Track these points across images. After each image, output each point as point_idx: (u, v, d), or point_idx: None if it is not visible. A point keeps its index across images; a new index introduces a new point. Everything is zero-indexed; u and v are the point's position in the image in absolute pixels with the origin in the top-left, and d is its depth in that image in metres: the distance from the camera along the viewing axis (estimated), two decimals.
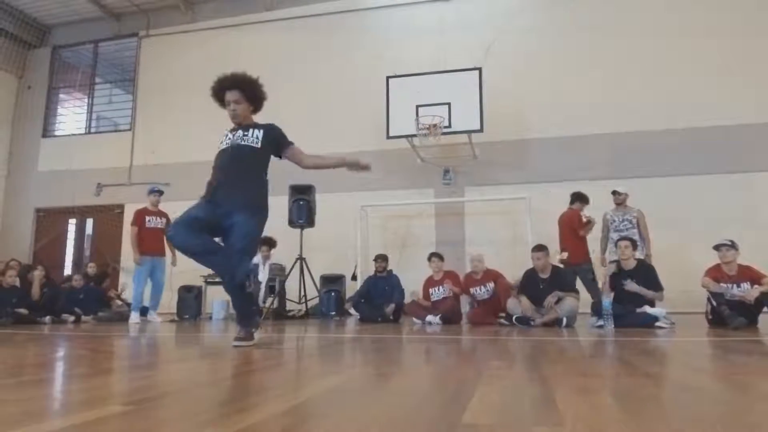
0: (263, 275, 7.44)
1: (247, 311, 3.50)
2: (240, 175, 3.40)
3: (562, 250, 6.90)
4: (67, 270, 10.84)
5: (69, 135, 12.11)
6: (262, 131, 3.52)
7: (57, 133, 12.27)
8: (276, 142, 3.59)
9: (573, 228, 7.02)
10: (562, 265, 6.56)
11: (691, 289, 6.50)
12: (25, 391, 1.77)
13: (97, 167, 11.23)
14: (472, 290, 6.57)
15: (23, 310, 7.03)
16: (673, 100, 8.76)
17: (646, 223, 7.00)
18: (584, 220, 7.05)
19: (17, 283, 7.35)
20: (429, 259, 7.00)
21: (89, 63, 12.44)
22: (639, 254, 6.69)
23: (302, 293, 8.22)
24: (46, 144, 11.98)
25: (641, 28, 9.18)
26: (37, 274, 7.68)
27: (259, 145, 3.47)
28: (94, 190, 11.17)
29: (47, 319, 7.07)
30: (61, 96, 12.59)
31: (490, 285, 6.46)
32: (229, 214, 3.30)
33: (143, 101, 11.48)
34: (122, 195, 10.94)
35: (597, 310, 5.48)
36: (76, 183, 11.19)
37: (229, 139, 3.50)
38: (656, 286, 5.63)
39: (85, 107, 12.28)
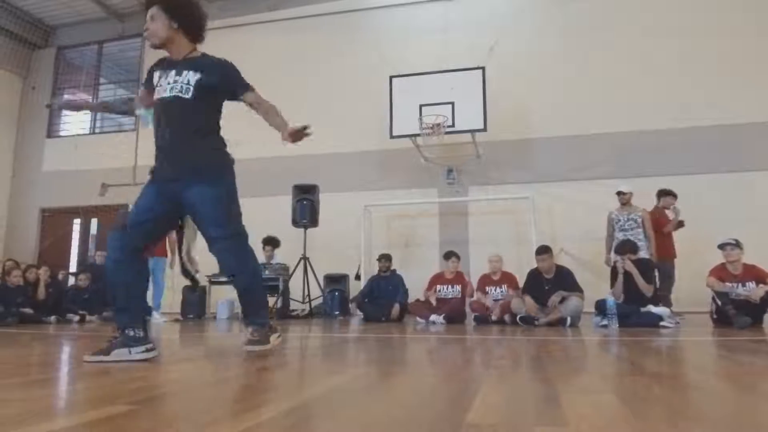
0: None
1: (257, 302, 2.91)
2: (180, 137, 2.70)
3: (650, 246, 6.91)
4: (72, 270, 10.86)
5: (74, 135, 12.14)
6: (199, 74, 2.71)
7: (62, 133, 12.31)
8: (226, 87, 2.81)
9: (659, 224, 7.01)
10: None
11: (695, 288, 6.49)
12: (30, 390, 1.78)
13: (101, 167, 11.25)
14: (487, 289, 6.58)
15: (28, 310, 7.06)
16: (677, 99, 8.72)
17: (651, 223, 6.99)
18: (673, 218, 7.04)
19: (22, 282, 7.38)
20: (448, 257, 6.97)
21: (93, 63, 12.48)
22: (644, 253, 6.69)
23: (306, 293, 8.23)
24: (50, 144, 12.02)
25: (644, 27, 9.13)
26: (42, 273, 7.71)
27: (189, 95, 2.68)
28: (99, 190, 11.20)
29: (52, 318, 7.11)
30: (66, 96, 12.62)
31: (505, 287, 6.47)
32: (183, 188, 2.66)
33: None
34: (127, 195, 10.94)
35: (601, 309, 5.47)
36: (81, 183, 11.23)
37: (163, 83, 2.75)
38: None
39: None
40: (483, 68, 8.66)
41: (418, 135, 8.67)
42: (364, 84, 9.90)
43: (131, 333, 2.58)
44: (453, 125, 8.54)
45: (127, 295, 2.62)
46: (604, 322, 5.35)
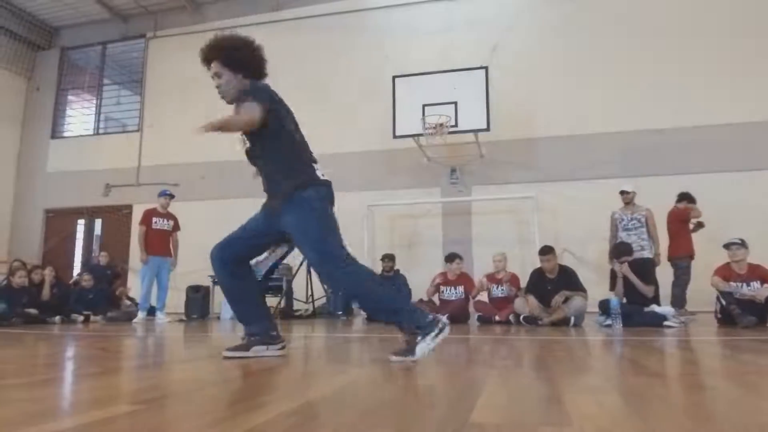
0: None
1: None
2: (265, 173, 2.79)
3: (670, 244, 7.00)
4: (77, 270, 10.90)
5: (78, 136, 12.19)
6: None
7: (66, 134, 12.35)
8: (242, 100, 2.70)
9: (682, 221, 7.01)
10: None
11: (700, 287, 6.47)
12: (35, 390, 1.79)
13: (105, 168, 11.29)
14: (490, 287, 6.58)
15: (33, 311, 7.08)
16: (681, 98, 8.70)
17: (654, 222, 6.98)
18: (695, 220, 7.05)
19: (26, 283, 7.41)
20: (451, 260, 6.93)
21: (97, 64, 12.51)
22: (648, 253, 6.69)
23: (309, 293, 8.24)
24: (54, 145, 12.06)
25: (649, 26, 9.11)
26: (47, 274, 7.74)
27: (247, 144, 2.73)
28: (103, 191, 11.24)
29: (57, 319, 7.13)
30: (70, 97, 12.67)
31: (508, 285, 6.48)
32: (278, 219, 2.71)
33: (151, 102, 11.54)
34: (130, 195, 11.00)
35: (605, 309, 5.47)
36: (85, 184, 11.27)
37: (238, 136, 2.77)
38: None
39: (94, 108, 12.35)
40: (486, 68, 8.66)
41: (421, 135, 8.67)
42: (367, 84, 9.90)
43: (272, 333, 2.81)
44: (456, 125, 8.54)
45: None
46: (608, 321, 5.35)
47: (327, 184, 2.77)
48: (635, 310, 5.46)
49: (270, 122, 2.64)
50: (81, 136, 12.14)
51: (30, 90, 12.40)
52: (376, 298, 2.64)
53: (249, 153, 2.77)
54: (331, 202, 2.77)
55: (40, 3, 11.54)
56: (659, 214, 7.06)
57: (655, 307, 5.51)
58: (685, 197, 7.18)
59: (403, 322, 2.55)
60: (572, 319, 5.51)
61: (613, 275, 5.88)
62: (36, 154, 12.01)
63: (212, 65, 2.75)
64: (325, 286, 2.45)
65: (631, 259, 5.87)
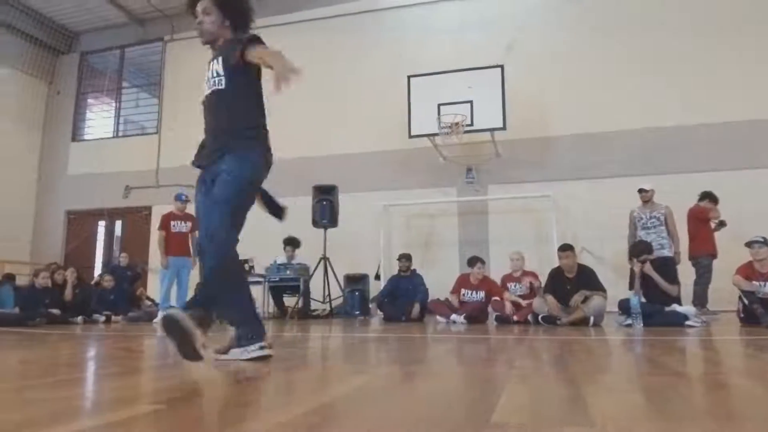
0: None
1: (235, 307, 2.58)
2: (218, 122, 2.67)
3: (691, 243, 6.92)
4: (97, 271, 11.06)
5: (98, 139, 12.36)
6: (220, 59, 2.65)
7: (86, 137, 12.53)
8: (231, 53, 2.58)
9: (700, 220, 6.95)
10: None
11: (721, 287, 6.37)
12: (58, 390, 1.82)
13: (125, 170, 11.44)
14: (508, 285, 6.54)
15: (56, 311, 7.21)
16: (700, 94, 8.57)
17: (674, 221, 6.88)
18: (716, 219, 6.98)
19: (49, 284, 7.54)
20: (473, 264, 6.90)
21: (116, 68, 12.68)
22: (668, 252, 6.60)
23: (326, 293, 8.27)
24: (75, 148, 12.25)
25: (666, 22, 8.98)
26: (69, 275, 7.86)
27: (222, 85, 2.62)
28: (123, 193, 11.39)
29: (79, 319, 7.24)
30: (90, 101, 12.86)
31: (526, 283, 6.43)
32: (216, 162, 2.57)
33: (169, 104, 11.65)
34: (150, 197, 11.13)
35: (625, 308, 5.40)
36: (105, 186, 11.43)
37: (207, 78, 2.70)
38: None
39: (113, 111, 12.52)
40: (501, 66, 8.59)
41: (437, 134, 8.64)
42: (382, 84, 9.90)
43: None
44: (472, 124, 8.50)
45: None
46: (628, 321, 5.29)
47: (270, 156, 2.71)
48: (656, 309, 5.39)
49: (255, 69, 2.60)
50: (101, 138, 12.31)
51: (51, 94, 12.61)
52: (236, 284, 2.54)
53: (215, 93, 2.65)
54: (263, 175, 2.67)
55: (61, 9, 11.72)
56: (679, 213, 6.96)
57: (676, 307, 5.43)
58: (708, 196, 7.07)
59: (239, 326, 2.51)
60: (592, 319, 5.45)
61: (633, 274, 5.80)
62: (57, 157, 12.21)
63: (203, 1, 2.68)
64: (199, 249, 2.18)
65: (652, 257, 5.79)
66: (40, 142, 12.36)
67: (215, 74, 2.65)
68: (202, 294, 2.54)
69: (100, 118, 12.71)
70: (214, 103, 2.68)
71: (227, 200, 2.49)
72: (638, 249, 5.93)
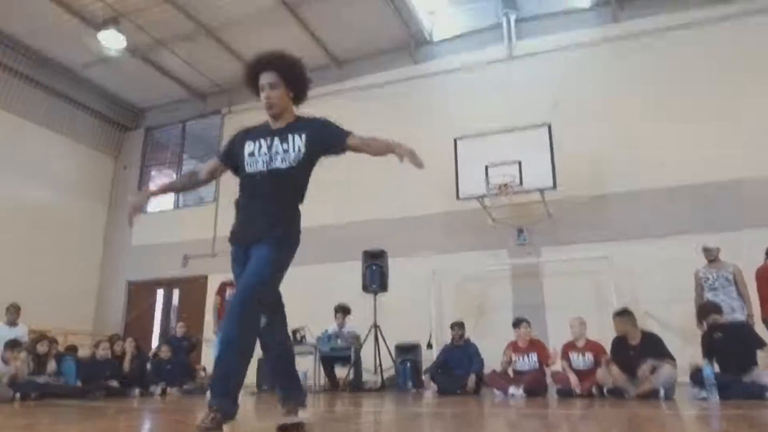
0: None
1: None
2: (271, 204, 2.68)
3: (762, 305, 6.33)
4: (155, 340, 11.30)
5: (159, 211, 12.93)
6: (304, 135, 2.72)
7: (149, 209, 13.14)
8: (330, 141, 2.77)
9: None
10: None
11: None
12: None
13: (183, 240, 11.85)
14: (570, 355, 6.21)
15: (114, 383, 7.34)
16: (762, 145, 8.22)
17: (744, 280, 6.46)
18: None
19: (109, 355, 7.72)
20: (518, 325, 6.68)
21: (178, 141, 13.41)
22: (740, 315, 6.17)
23: (377, 363, 8.08)
24: (138, 219, 12.79)
25: (720, 72, 8.75)
26: (128, 345, 8.04)
27: (297, 162, 2.68)
28: (181, 262, 11.76)
29: (136, 391, 7.35)
30: (153, 173, 13.56)
31: (590, 356, 6.10)
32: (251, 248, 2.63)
33: (226, 174, 12.11)
34: (206, 266, 11.42)
35: (698, 379, 5.03)
36: (165, 255, 11.84)
37: (265, 152, 2.71)
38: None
39: None
40: (549, 125, 8.56)
41: (486, 196, 8.59)
42: (429, 147, 9.80)
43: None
44: (521, 184, 8.40)
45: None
46: (703, 393, 4.91)
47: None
48: (733, 379, 4.99)
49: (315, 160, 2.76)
50: (162, 211, 12.87)
51: (117, 168, 13.39)
52: (242, 349, 2.55)
53: (274, 173, 2.68)
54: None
55: (129, 88, 12.63)
56: (748, 272, 6.54)
57: (757, 374, 5.00)
58: None
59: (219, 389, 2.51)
60: (662, 391, 5.09)
61: (705, 340, 5.42)
62: (121, 229, 12.78)
63: (268, 74, 2.71)
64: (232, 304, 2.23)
65: (722, 320, 5.43)
66: (107, 215, 13.03)
67: (296, 149, 2.68)
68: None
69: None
70: (269, 182, 2.68)
71: (267, 282, 2.58)
72: (706, 310, 5.59)
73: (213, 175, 3.00)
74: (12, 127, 10.80)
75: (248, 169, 2.73)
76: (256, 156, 2.71)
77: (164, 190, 3.32)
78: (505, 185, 8.38)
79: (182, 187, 3.26)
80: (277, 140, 2.71)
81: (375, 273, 8.46)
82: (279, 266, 2.60)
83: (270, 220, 2.64)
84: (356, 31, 10.66)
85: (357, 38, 10.87)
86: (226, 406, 2.41)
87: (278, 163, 2.67)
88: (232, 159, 2.86)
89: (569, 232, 8.87)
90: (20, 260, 10.42)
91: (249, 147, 2.76)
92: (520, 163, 8.48)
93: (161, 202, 13.13)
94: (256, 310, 2.52)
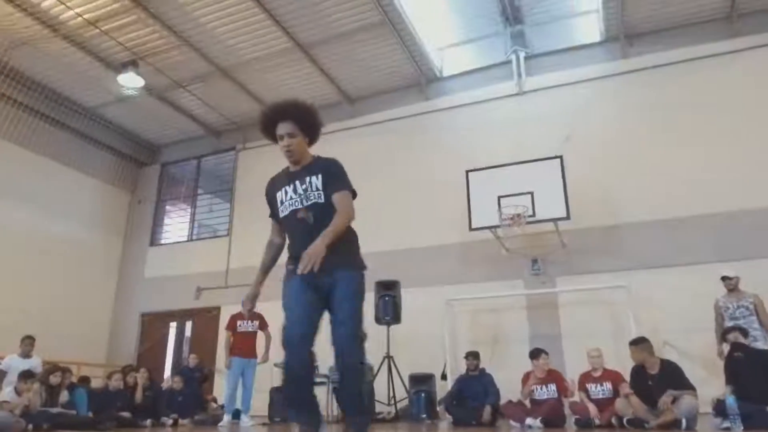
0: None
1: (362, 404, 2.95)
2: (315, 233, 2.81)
3: None
4: (167, 371, 11.24)
5: (173, 243, 13.05)
6: (320, 176, 2.94)
7: (163, 241, 13.27)
8: (332, 181, 2.93)
9: None
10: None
11: None
12: None
13: (196, 272, 11.90)
14: (587, 385, 6.09)
15: (126, 414, 7.28)
16: None
17: (766, 310, 6.34)
18: None
19: (122, 386, 7.69)
20: (536, 356, 6.60)
21: (192, 177, 13.61)
22: (762, 345, 6.03)
23: (391, 394, 7.97)
24: (152, 252, 12.94)
25: (733, 101, 8.75)
26: (141, 376, 8.01)
27: (322, 199, 2.89)
28: (194, 294, 11.79)
29: (148, 422, 7.28)
30: (167, 207, 13.74)
31: (608, 385, 5.97)
32: (329, 274, 2.78)
33: (239, 207, 12.26)
34: (219, 297, 11.44)
35: (721, 410, 4.88)
36: (178, 287, 11.88)
37: (291, 197, 2.96)
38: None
39: (188, 216, 13.28)
40: (561, 157, 8.58)
41: (498, 226, 8.57)
42: (441, 179, 10.06)
43: None
44: (534, 215, 8.39)
45: None
46: (726, 424, 4.76)
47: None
48: (755, 409, 4.84)
49: None
50: (176, 243, 12.98)
51: (133, 203, 13.59)
52: (364, 387, 2.89)
53: (316, 207, 2.91)
54: None
55: (146, 125, 12.92)
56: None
57: None
58: None
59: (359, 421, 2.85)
60: (684, 422, 4.94)
61: (727, 363, 5.28)
62: (136, 261, 12.90)
63: (285, 125, 2.93)
64: (337, 348, 2.35)
65: (745, 341, 5.29)
66: (122, 247, 13.16)
67: (315, 188, 2.90)
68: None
69: (176, 223, 13.49)
70: (316, 215, 2.88)
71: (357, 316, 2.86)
72: (730, 328, 5.47)
73: (282, 234, 3.23)
74: (31, 164, 11.05)
75: (281, 214, 3.03)
76: (286, 204, 2.98)
77: (266, 272, 3.39)
78: (518, 215, 8.37)
79: (273, 260, 3.37)
80: (297, 183, 2.96)
81: (388, 304, 8.41)
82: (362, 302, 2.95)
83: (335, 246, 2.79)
84: (368, 69, 10.86)
85: (369, 76, 11.08)
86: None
87: (317, 199, 2.91)
88: (276, 210, 3.11)
89: (584, 261, 8.80)
90: (36, 292, 10.51)
91: (279, 197, 3.04)
92: (532, 194, 8.50)
93: (175, 234, 13.28)
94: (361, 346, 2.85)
